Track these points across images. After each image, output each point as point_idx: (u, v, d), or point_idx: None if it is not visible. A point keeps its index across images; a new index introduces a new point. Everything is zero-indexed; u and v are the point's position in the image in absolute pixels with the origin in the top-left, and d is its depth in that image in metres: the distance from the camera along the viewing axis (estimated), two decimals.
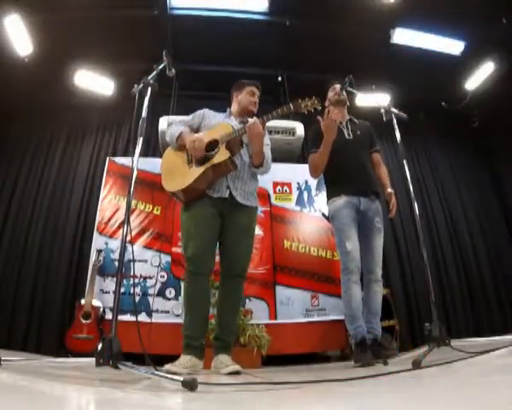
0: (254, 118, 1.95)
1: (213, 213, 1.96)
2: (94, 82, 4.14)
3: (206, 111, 2.21)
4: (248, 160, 2.07)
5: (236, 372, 1.73)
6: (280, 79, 4.52)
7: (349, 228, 2.27)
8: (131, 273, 2.98)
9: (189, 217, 1.98)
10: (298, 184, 3.96)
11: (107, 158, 3.86)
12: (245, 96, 2.20)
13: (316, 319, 3.39)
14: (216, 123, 2.09)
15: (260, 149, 1.96)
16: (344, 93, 2.49)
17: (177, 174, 2.01)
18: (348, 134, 2.47)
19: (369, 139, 2.55)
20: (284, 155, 4.29)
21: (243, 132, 1.95)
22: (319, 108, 1.97)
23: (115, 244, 3.38)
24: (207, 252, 1.92)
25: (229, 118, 2.20)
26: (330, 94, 2.59)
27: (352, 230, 2.28)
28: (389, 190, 2.41)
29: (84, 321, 2.94)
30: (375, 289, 2.27)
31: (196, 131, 2.11)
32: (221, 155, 1.92)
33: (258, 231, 3.69)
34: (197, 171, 1.93)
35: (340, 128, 2.47)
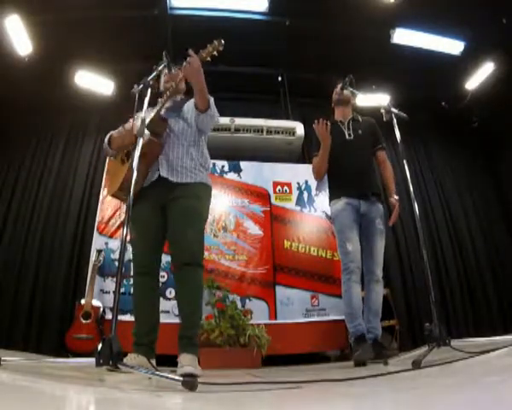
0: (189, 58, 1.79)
1: (150, 207, 1.85)
2: (94, 82, 4.14)
3: (139, 113, 2.16)
4: (182, 130, 1.95)
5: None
6: (280, 78, 4.52)
7: (350, 230, 2.29)
8: (131, 273, 2.98)
9: (131, 218, 1.83)
10: (298, 184, 3.96)
11: (107, 158, 3.86)
12: (163, 81, 2.11)
13: (316, 319, 3.39)
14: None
15: (202, 86, 1.81)
16: (346, 91, 2.50)
17: (114, 177, 1.94)
18: (349, 134, 2.48)
19: (372, 138, 2.54)
20: (284, 155, 4.29)
21: (161, 107, 1.88)
22: (221, 48, 1.85)
23: (115, 244, 3.38)
24: (149, 253, 1.85)
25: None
26: (333, 94, 2.60)
27: (354, 231, 2.30)
28: (393, 198, 2.40)
29: (84, 321, 2.94)
30: (376, 289, 2.28)
31: None
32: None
33: (258, 230, 3.70)
34: (126, 165, 1.82)
35: (341, 128, 2.48)
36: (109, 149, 2.00)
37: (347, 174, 2.38)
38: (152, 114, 1.86)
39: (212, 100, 1.91)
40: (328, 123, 2.33)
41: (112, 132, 2.00)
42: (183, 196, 1.83)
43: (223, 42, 1.81)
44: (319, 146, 2.37)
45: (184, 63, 1.78)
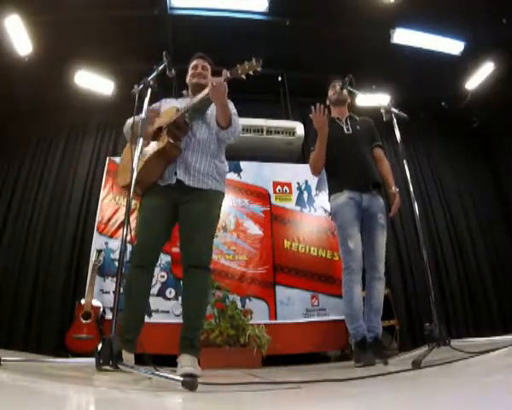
0: (216, 79, 1.77)
1: (163, 204, 1.85)
2: (94, 82, 4.15)
3: (164, 100, 2.12)
4: (204, 136, 1.95)
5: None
6: (280, 78, 4.52)
7: (351, 226, 2.26)
8: None
9: (140, 209, 1.92)
10: (298, 184, 3.96)
11: (107, 158, 3.87)
12: (189, 75, 2.12)
13: (316, 319, 3.39)
14: (171, 106, 1.98)
15: (224, 105, 1.82)
16: (344, 91, 2.50)
17: (128, 168, 1.89)
18: (347, 129, 2.47)
19: (370, 135, 2.53)
20: (284, 155, 4.29)
21: (186, 111, 1.86)
22: (259, 69, 1.77)
23: (115, 244, 3.38)
24: (149, 246, 1.82)
25: (185, 100, 2.06)
26: (330, 93, 2.60)
27: (355, 228, 2.27)
28: (393, 189, 2.39)
29: (84, 321, 2.94)
30: (378, 287, 2.25)
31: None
32: (161, 142, 1.83)
33: (258, 230, 3.70)
34: (142, 162, 1.80)
35: (340, 124, 2.49)
36: (130, 132, 1.93)
37: (347, 167, 2.36)
38: (175, 115, 1.86)
39: (234, 114, 1.91)
40: (326, 111, 2.29)
41: (136, 118, 1.91)
42: (197, 200, 1.84)
43: (261, 61, 1.77)
44: (316, 140, 2.35)
45: (209, 84, 1.76)
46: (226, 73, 1.77)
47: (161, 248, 1.91)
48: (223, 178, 2.00)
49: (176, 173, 1.86)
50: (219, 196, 1.96)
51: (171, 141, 1.82)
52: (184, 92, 2.17)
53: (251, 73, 1.78)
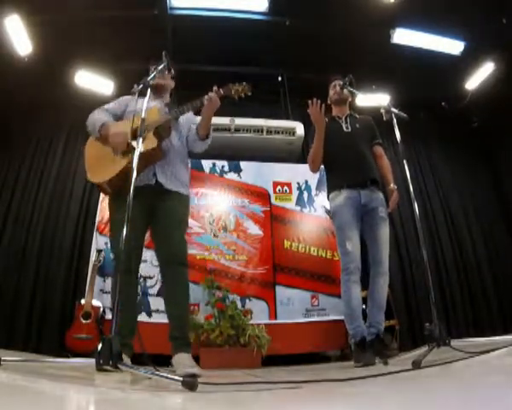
0: (213, 93, 1.91)
1: (139, 207, 1.77)
2: (94, 82, 4.14)
3: (126, 98, 2.12)
4: (177, 143, 2.03)
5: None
6: (280, 79, 4.52)
7: (349, 228, 2.27)
8: None
9: (116, 210, 1.86)
10: (298, 184, 3.97)
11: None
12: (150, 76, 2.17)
13: (316, 319, 3.39)
14: (140, 107, 1.93)
15: (210, 120, 1.99)
16: (345, 91, 2.51)
17: (102, 164, 1.88)
18: (346, 127, 2.49)
19: (370, 133, 2.54)
20: (284, 155, 4.29)
21: (174, 117, 1.93)
22: (249, 93, 1.97)
23: None
24: (137, 251, 1.82)
25: (153, 101, 2.06)
26: (331, 92, 2.61)
27: (353, 229, 2.28)
28: (391, 186, 2.40)
29: (84, 321, 2.94)
30: (381, 282, 2.25)
31: (120, 117, 2.04)
32: (148, 143, 1.78)
33: (258, 230, 3.70)
34: (123, 161, 1.79)
35: (339, 122, 2.50)
36: (96, 133, 1.93)
37: (346, 164, 2.37)
38: (163, 117, 1.90)
39: (210, 128, 2.05)
40: (323, 106, 2.31)
41: (108, 123, 1.93)
42: (173, 202, 1.93)
43: (250, 86, 1.97)
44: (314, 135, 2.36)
45: (206, 97, 1.89)
46: (220, 91, 1.92)
47: (143, 248, 1.94)
48: (189, 183, 2.13)
49: (155, 175, 1.91)
50: (189, 201, 2.09)
51: (160, 143, 1.86)
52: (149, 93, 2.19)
53: (242, 96, 1.95)
